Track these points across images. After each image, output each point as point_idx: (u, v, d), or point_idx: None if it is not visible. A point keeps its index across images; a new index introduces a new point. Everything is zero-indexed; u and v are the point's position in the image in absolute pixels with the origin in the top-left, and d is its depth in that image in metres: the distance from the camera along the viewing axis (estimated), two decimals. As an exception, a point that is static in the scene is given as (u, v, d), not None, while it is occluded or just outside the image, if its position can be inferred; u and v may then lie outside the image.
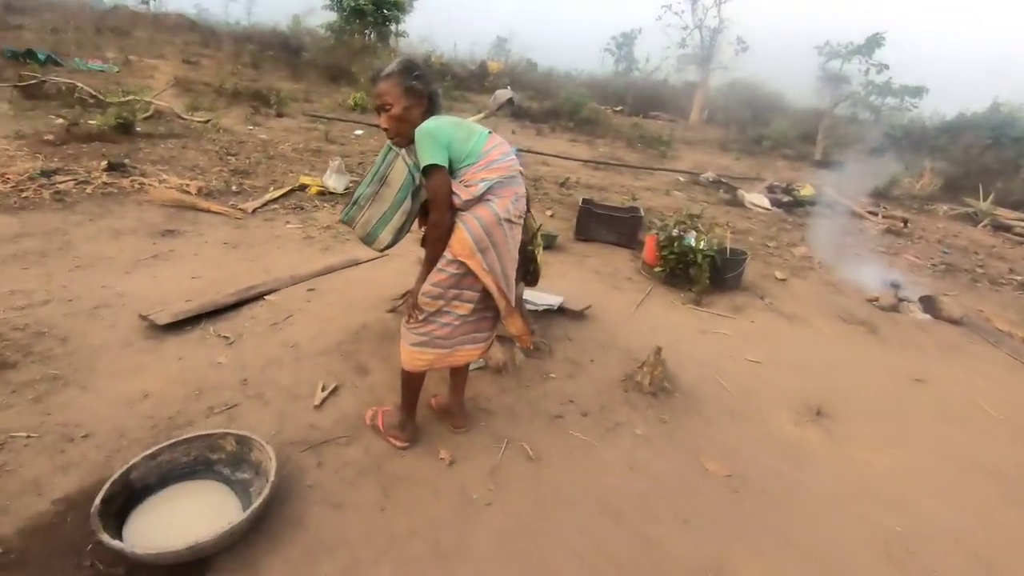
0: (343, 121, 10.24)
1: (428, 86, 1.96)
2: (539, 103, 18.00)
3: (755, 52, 22.95)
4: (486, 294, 2.01)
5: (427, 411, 2.39)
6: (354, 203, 2.68)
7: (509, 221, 1.93)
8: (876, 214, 8.72)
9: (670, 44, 24.85)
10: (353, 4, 21.10)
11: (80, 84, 8.96)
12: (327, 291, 3.44)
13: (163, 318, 2.77)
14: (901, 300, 4.66)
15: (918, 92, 18.52)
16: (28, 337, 2.59)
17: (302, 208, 5.23)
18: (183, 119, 8.64)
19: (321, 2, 21.84)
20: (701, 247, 4.21)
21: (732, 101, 21.49)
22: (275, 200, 5.33)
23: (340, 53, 18.76)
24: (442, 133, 1.84)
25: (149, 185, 5.11)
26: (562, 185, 7.88)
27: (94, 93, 8.75)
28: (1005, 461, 2.67)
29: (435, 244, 1.93)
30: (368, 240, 2.74)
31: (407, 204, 2.67)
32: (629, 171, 10.54)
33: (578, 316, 3.44)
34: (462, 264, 1.91)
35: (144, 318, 2.77)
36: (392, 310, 3.17)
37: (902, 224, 8.37)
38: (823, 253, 6.18)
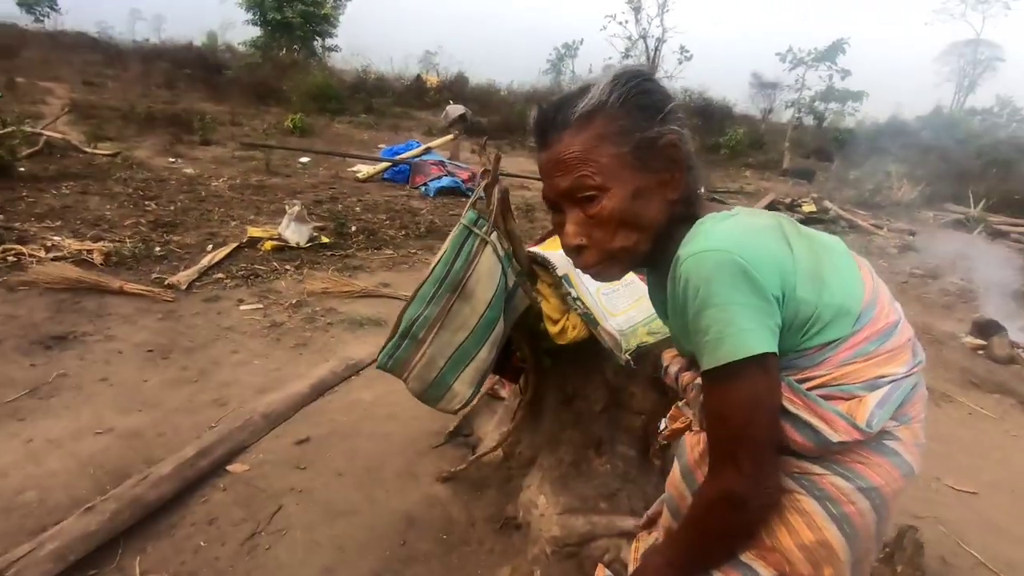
0: (285, 149, 8.78)
1: (684, 137, 0.83)
2: (486, 118, 17.01)
3: (697, 61, 22.98)
4: None
5: None
6: (406, 334, 1.48)
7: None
8: (881, 227, 8.23)
9: (614, 55, 24.58)
10: (279, 18, 19.54)
11: (-59, 115, 7.08)
12: (326, 439, 2.18)
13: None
14: (1016, 347, 3.90)
15: (859, 96, 18.96)
16: None
17: (256, 275, 3.88)
18: (84, 152, 6.97)
19: (241, 16, 20.11)
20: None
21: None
22: (217, 264, 3.96)
23: (267, 70, 17.06)
24: (765, 262, 0.73)
25: (30, 257, 3.62)
26: (558, 215, 6.83)
27: (-40, 126, 6.93)
28: None
29: (721, 539, 0.80)
30: (430, 397, 1.54)
31: (499, 329, 1.51)
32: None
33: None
34: None
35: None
36: (448, 477, 1.96)
37: (910, 237, 7.89)
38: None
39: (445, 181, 7.12)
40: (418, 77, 22.28)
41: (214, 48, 20.24)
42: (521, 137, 15.19)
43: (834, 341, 0.76)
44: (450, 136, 8.83)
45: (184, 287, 3.52)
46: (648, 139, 0.79)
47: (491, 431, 2.14)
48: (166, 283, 3.53)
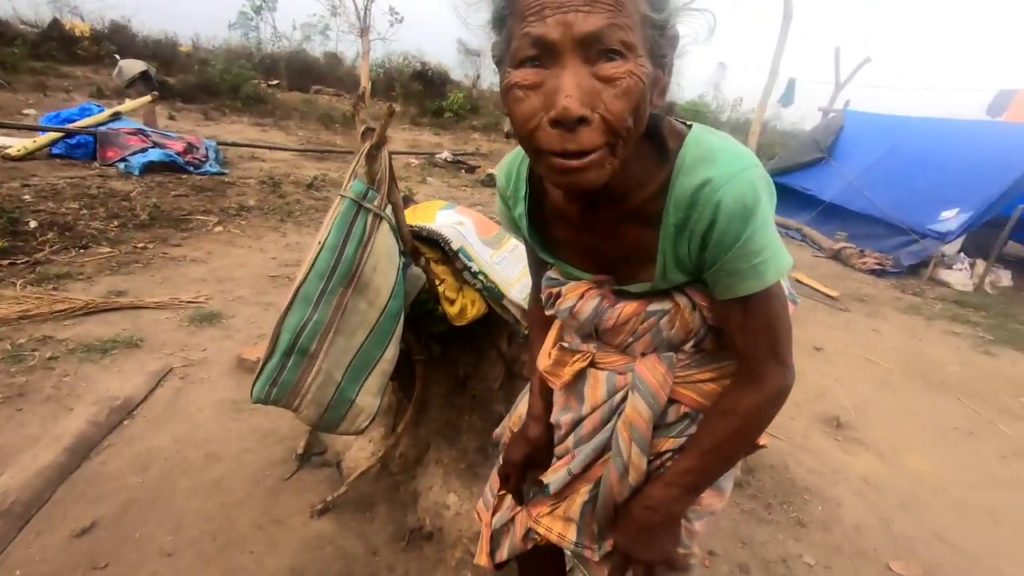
0: None
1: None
2: (174, 78, 14.11)
3: (408, 24, 22.91)
4: None
5: None
6: (291, 349, 1.14)
7: None
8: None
9: (319, 10, 22.79)
10: None
11: None
12: (126, 515, 1.56)
13: None
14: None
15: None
16: None
17: None
18: None
19: None
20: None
21: (403, 74, 21.17)
22: None
23: None
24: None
25: None
26: (310, 187, 6.15)
27: None
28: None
29: (755, 437, 0.83)
30: (330, 422, 1.24)
31: (401, 323, 1.27)
32: (352, 158, 9.11)
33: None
34: None
35: None
36: (324, 508, 1.60)
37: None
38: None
39: (154, 155, 5.69)
40: (55, 22, 17.02)
41: None
42: (229, 101, 13.19)
43: None
44: (147, 98, 7.02)
45: None
46: (669, 17, 0.63)
47: (356, 440, 1.84)
48: None
